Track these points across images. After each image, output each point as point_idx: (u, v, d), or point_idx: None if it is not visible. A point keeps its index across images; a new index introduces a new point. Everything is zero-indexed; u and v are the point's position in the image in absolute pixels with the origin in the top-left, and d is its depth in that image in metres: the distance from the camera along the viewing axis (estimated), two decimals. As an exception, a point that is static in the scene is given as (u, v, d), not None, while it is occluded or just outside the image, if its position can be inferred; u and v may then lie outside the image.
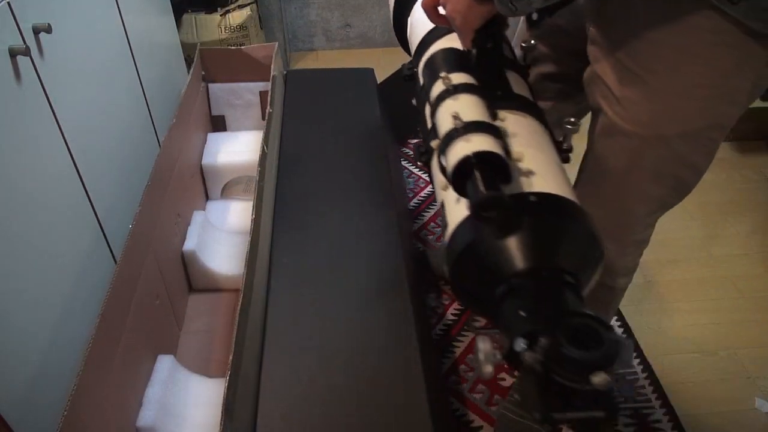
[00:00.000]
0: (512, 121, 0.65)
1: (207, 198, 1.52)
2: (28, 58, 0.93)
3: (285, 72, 1.62)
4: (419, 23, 0.87)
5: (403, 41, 0.98)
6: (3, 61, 0.87)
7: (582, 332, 0.47)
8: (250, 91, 1.62)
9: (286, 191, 1.21)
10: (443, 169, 0.60)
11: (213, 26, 2.25)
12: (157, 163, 1.10)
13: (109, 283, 0.86)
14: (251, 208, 1.48)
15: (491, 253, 0.54)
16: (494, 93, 0.67)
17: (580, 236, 0.56)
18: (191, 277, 1.28)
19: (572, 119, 0.66)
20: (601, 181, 0.83)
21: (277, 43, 1.60)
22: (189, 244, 1.24)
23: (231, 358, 0.76)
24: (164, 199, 1.15)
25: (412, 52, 0.90)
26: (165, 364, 1.01)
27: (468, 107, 0.61)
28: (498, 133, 0.58)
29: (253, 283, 0.93)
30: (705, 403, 1.28)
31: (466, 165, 0.54)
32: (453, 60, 0.71)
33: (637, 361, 1.35)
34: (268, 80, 1.42)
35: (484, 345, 0.51)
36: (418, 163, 0.70)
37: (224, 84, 1.62)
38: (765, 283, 1.56)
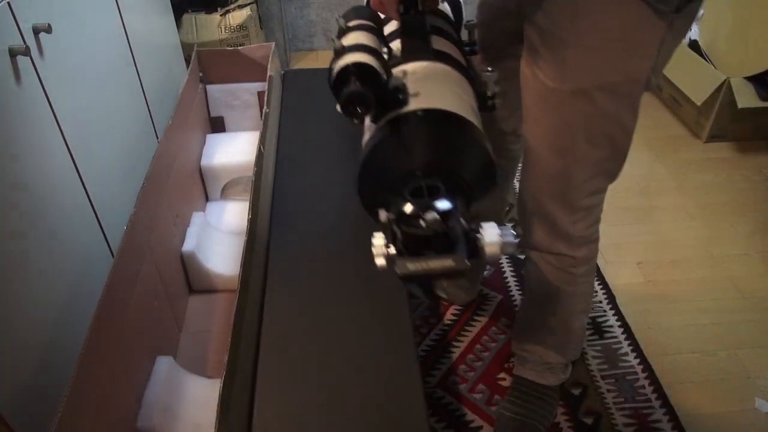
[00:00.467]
0: (417, 66, 0.73)
1: (206, 199, 1.52)
2: (28, 58, 0.93)
3: (283, 72, 1.62)
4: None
5: None
6: (3, 61, 0.87)
7: (429, 190, 0.56)
8: (248, 91, 1.62)
9: (283, 191, 1.21)
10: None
11: (213, 26, 2.26)
12: (153, 165, 1.09)
13: (105, 284, 0.86)
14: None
15: (383, 159, 0.64)
16: (410, 45, 0.75)
17: (463, 143, 0.64)
18: (191, 278, 1.28)
19: (489, 68, 0.75)
20: (539, 146, 0.89)
21: (274, 43, 1.59)
22: (188, 245, 1.24)
23: (227, 357, 0.76)
24: (162, 200, 1.14)
25: None
26: (164, 365, 1.01)
27: (352, 38, 0.69)
28: (377, 54, 0.66)
29: (250, 283, 0.93)
30: (705, 403, 1.28)
31: (343, 75, 0.63)
32: (356, 14, 0.79)
33: (637, 361, 1.35)
34: (266, 81, 1.42)
35: (377, 240, 0.58)
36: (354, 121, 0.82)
37: (222, 85, 1.62)
38: (765, 283, 1.56)
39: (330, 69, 0.66)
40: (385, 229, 0.60)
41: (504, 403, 1.23)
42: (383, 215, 0.58)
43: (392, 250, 0.58)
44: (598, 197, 0.97)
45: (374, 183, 0.66)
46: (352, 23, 0.73)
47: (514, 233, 0.59)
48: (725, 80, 1.98)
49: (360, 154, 0.68)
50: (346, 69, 0.63)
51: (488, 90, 0.76)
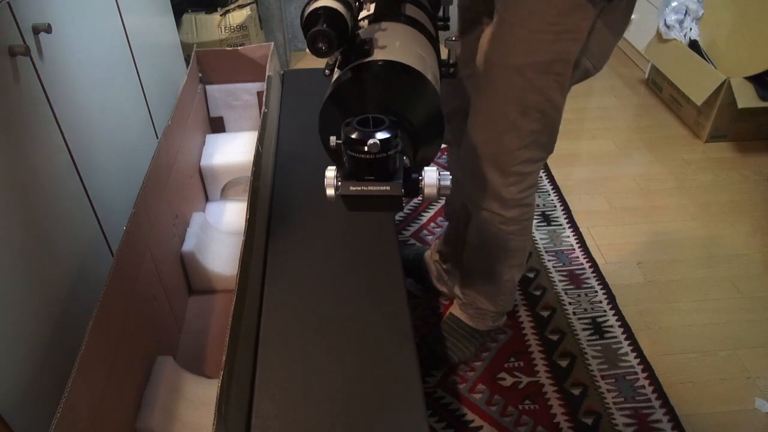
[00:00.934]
0: (387, 25, 0.79)
1: (206, 199, 1.52)
2: (28, 58, 0.93)
3: (282, 72, 1.62)
4: None
5: None
6: (3, 61, 0.87)
7: (374, 121, 0.62)
8: (248, 91, 1.62)
9: (282, 191, 1.21)
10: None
11: (213, 26, 2.26)
12: (152, 165, 1.09)
13: (104, 284, 0.86)
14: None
15: (342, 100, 0.71)
16: (384, 6, 0.82)
17: (415, 94, 0.71)
18: (191, 278, 1.28)
19: (453, 37, 0.83)
20: (479, 112, 1.01)
21: (273, 43, 1.59)
22: (188, 246, 1.24)
23: (224, 358, 0.76)
24: (162, 200, 1.14)
25: None
26: (164, 365, 1.01)
27: None
28: (346, 3, 0.72)
29: (248, 283, 0.93)
30: (705, 403, 1.28)
31: (312, 16, 0.69)
32: None
33: (637, 361, 1.35)
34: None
35: (329, 172, 0.66)
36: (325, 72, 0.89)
37: (222, 85, 1.62)
38: (765, 283, 1.56)
39: (302, 11, 0.72)
40: (334, 157, 0.68)
41: (431, 334, 1.37)
42: (333, 141, 0.65)
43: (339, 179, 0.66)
44: (533, 166, 1.05)
45: (332, 119, 0.73)
46: None
47: (451, 178, 0.66)
48: (725, 80, 1.98)
49: (324, 97, 0.75)
50: (315, 11, 0.70)
51: (450, 58, 0.83)
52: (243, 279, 0.90)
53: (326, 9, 0.70)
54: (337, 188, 0.67)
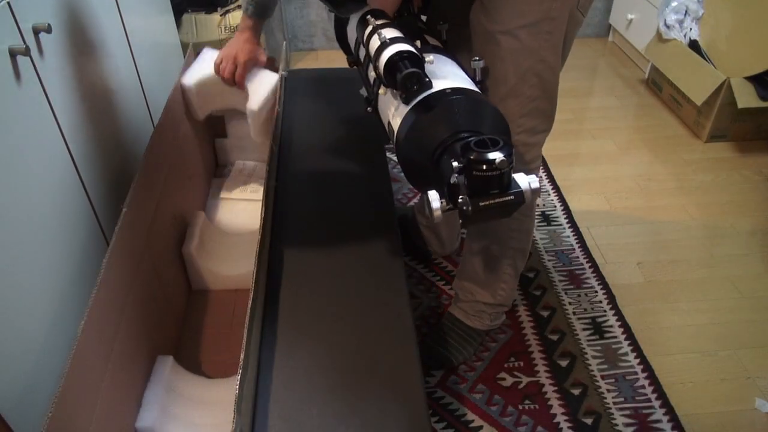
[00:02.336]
0: (430, 57, 0.86)
1: (207, 198, 1.52)
2: (28, 58, 0.93)
3: (286, 73, 1.62)
4: (354, 20, 1.09)
5: (344, 46, 1.25)
6: (3, 61, 0.87)
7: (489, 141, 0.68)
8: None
9: (284, 190, 1.21)
10: (379, 77, 0.84)
11: (213, 26, 2.26)
12: (144, 162, 1.07)
13: (96, 285, 0.85)
14: (251, 209, 1.48)
15: (427, 129, 0.77)
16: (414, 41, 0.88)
17: (483, 111, 0.78)
18: (191, 277, 1.28)
19: (476, 58, 0.90)
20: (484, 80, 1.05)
21: (285, 41, 1.58)
22: (188, 245, 1.24)
23: (242, 356, 0.77)
24: (157, 199, 1.14)
25: (352, 48, 1.13)
26: (164, 364, 1.01)
27: (389, 32, 0.83)
28: (413, 44, 0.80)
29: (259, 282, 0.93)
30: (705, 403, 1.28)
31: (393, 61, 0.78)
32: (376, 15, 0.94)
33: (637, 361, 1.35)
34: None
35: (433, 195, 0.70)
36: (368, 110, 0.99)
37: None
38: (765, 283, 1.56)
39: (377, 55, 0.80)
40: (442, 187, 0.73)
41: (430, 333, 1.37)
42: (454, 177, 0.69)
43: (445, 203, 0.71)
44: (536, 137, 1.08)
45: (414, 148, 0.79)
46: (379, 21, 0.87)
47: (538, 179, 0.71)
48: (725, 80, 1.98)
49: (400, 131, 0.81)
50: (398, 55, 0.78)
51: (477, 76, 0.90)
52: (260, 277, 0.90)
53: (408, 53, 0.79)
54: (450, 208, 0.71)
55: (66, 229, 1.03)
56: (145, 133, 1.47)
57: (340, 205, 1.18)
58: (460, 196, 0.68)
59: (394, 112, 0.85)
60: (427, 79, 0.79)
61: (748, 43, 1.99)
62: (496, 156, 0.65)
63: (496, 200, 0.68)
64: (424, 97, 0.79)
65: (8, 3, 0.89)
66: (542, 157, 1.18)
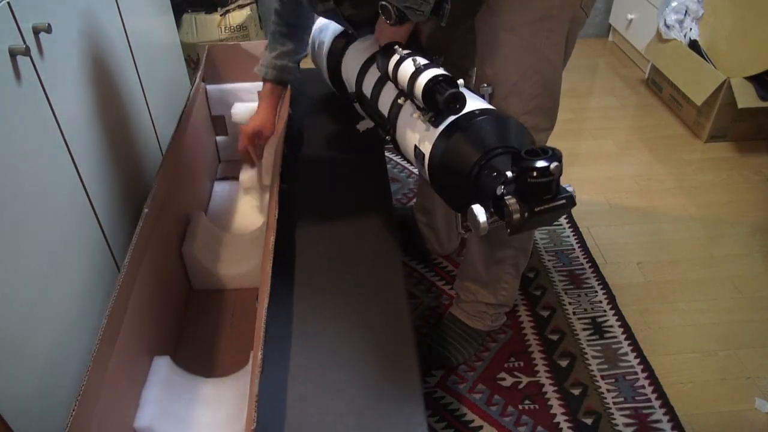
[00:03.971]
0: (459, 81, 0.91)
1: (208, 198, 1.52)
2: (28, 58, 0.93)
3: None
4: (352, 59, 1.18)
5: (338, 85, 1.29)
6: (3, 61, 0.87)
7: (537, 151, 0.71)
8: (248, 91, 1.62)
9: (285, 190, 1.21)
10: (417, 107, 0.89)
11: (213, 26, 2.26)
12: (163, 164, 1.09)
13: (117, 284, 0.86)
14: (251, 209, 1.48)
15: (463, 148, 0.82)
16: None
17: (510, 127, 0.85)
18: (191, 277, 1.28)
19: (485, 84, 1.00)
20: (482, 78, 1.07)
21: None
22: (188, 245, 1.24)
23: (260, 354, 0.78)
24: (169, 199, 1.15)
25: (351, 85, 1.18)
26: (162, 364, 1.01)
27: (422, 59, 0.88)
28: (444, 69, 0.85)
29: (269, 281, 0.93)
30: (705, 403, 1.28)
31: (433, 83, 0.83)
32: (400, 44, 1.00)
33: (637, 361, 1.35)
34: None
35: (477, 208, 0.74)
36: (387, 138, 1.04)
37: (223, 84, 1.61)
38: (765, 283, 1.56)
39: (412, 79, 0.86)
40: (483, 201, 0.77)
41: (431, 333, 1.38)
42: (510, 203, 0.72)
43: (490, 216, 0.75)
44: (538, 135, 1.08)
45: (452, 171, 0.84)
46: (405, 51, 0.93)
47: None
48: (725, 80, 1.98)
49: (434, 153, 0.86)
50: (435, 78, 0.84)
51: (486, 100, 0.95)
52: (273, 278, 0.91)
53: (445, 76, 0.84)
54: (495, 220, 0.75)
55: (67, 229, 1.03)
56: (145, 131, 1.47)
57: (340, 204, 1.18)
58: (511, 205, 0.71)
59: (421, 136, 0.90)
60: (459, 105, 0.84)
61: (748, 43, 1.99)
62: (551, 164, 0.68)
63: (550, 205, 0.71)
64: (454, 120, 0.84)
65: (8, 3, 0.89)
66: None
